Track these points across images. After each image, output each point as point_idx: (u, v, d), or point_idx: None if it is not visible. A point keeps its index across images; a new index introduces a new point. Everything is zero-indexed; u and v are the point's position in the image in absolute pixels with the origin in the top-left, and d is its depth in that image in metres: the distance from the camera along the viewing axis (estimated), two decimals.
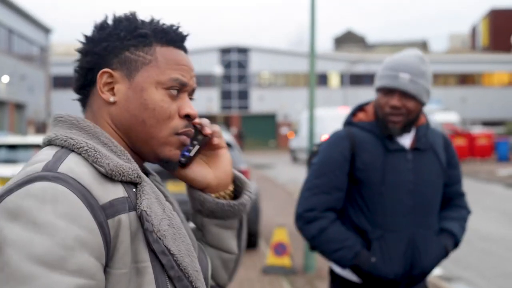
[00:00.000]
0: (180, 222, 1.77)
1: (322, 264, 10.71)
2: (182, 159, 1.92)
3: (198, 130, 1.94)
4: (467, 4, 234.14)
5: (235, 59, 72.20)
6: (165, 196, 1.91)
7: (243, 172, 11.74)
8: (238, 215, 1.98)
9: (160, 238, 1.65)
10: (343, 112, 41.75)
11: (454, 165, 4.04)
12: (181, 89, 1.82)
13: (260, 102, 70.69)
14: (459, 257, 12.08)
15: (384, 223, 3.73)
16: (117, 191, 1.64)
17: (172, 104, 1.79)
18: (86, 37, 1.81)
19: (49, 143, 1.73)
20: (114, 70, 1.78)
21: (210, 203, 1.93)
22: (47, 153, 1.67)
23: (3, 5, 43.24)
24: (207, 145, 1.97)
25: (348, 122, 3.95)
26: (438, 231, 3.89)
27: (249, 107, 72.04)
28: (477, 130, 44.55)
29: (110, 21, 1.83)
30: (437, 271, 10.91)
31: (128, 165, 1.70)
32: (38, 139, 14.89)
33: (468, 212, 4.15)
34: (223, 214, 1.94)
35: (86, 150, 1.65)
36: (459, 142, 36.88)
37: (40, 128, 47.25)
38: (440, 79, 73.82)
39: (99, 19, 1.85)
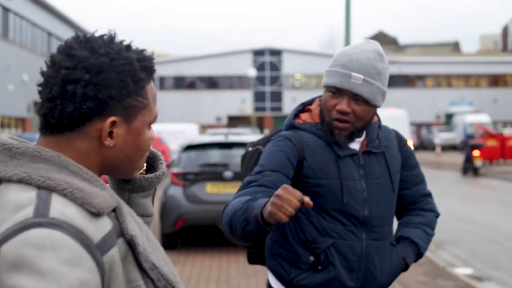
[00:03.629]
0: (151, 233, 1.84)
1: None
2: None
3: None
4: (498, 4, 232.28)
5: (268, 60, 72.58)
6: None
7: None
8: (160, 183, 2.05)
9: (147, 256, 1.72)
10: (392, 112, 41.91)
11: (413, 165, 3.61)
12: None
13: (293, 103, 70.74)
14: (489, 257, 12.39)
15: (338, 232, 3.29)
16: (105, 225, 1.65)
17: (150, 137, 1.86)
18: (80, 79, 1.69)
19: (18, 181, 1.65)
20: (117, 116, 1.73)
21: (140, 181, 1.96)
22: (27, 197, 1.61)
23: (42, 8, 44.11)
24: None
25: (291, 126, 3.43)
26: (393, 242, 3.46)
27: (282, 109, 72.24)
28: (508, 132, 44.50)
29: (106, 63, 1.71)
30: (467, 271, 11.29)
31: (107, 193, 1.71)
32: None
33: (436, 214, 3.64)
34: (150, 186, 1.98)
35: (72, 192, 1.63)
36: (490, 143, 36.93)
37: None
38: (471, 80, 73.70)
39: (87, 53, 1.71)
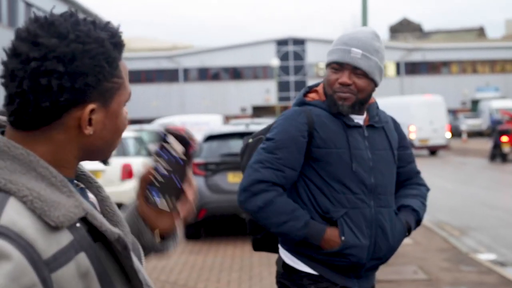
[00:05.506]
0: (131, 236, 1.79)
1: None
2: (150, 200, 1.86)
3: (173, 179, 1.84)
4: None
5: (292, 50, 72.53)
6: (95, 195, 1.82)
7: None
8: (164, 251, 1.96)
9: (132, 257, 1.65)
10: (429, 99, 41.53)
11: (407, 145, 3.87)
12: None
13: None
14: None
15: (349, 201, 3.51)
16: (62, 239, 1.52)
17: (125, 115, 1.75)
18: (54, 70, 1.54)
19: None
20: (94, 102, 1.61)
21: (147, 241, 1.90)
22: None
23: (63, 2, 44.39)
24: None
25: (302, 102, 3.67)
26: (396, 210, 3.69)
27: None
28: None
29: (80, 49, 1.56)
30: (490, 256, 11.26)
31: (72, 203, 1.57)
32: None
33: (427, 189, 3.94)
34: (153, 249, 1.89)
35: (31, 200, 1.50)
36: None
37: None
38: (497, 66, 73.16)
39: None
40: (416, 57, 71.19)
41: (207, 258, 11.02)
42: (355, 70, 3.49)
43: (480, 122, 60.97)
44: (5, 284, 1.39)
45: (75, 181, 1.74)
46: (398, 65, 71.07)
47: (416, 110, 39.26)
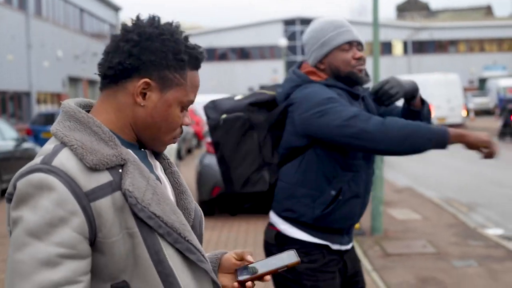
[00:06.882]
0: (163, 188, 2.11)
1: (388, 225, 11.38)
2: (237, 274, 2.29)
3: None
4: None
5: (299, 30, 72.43)
6: (165, 169, 2.28)
7: None
8: None
9: (145, 207, 1.98)
10: (443, 77, 41.03)
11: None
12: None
13: None
14: None
15: (355, 166, 3.74)
16: (101, 178, 1.96)
17: (181, 117, 2.15)
18: (131, 39, 2.04)
19: (53, 134, 2.03)
20: (152, 80, 2.05)
21: None
22: (49, 148, 2.00)
23: None
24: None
25: (309, 81, 3.86)
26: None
27: None
28: None
29: (156, 34, 2.05)
30: (497, 231, 11.49)
31: (112, 152, 2.00)
32: None
33: None
34: None
35: (75, 148, 1.96)
36: None
37: None
38: (505, 44, 72.90)
39: (143, 22, 2.08)
40: (424, 36, 71.03)
41: (222, 234, 11.29)
42: (358, 46, 3.82)
43: (487, 101, 60.80)
44: (52, 208, 1.88)
45: (143, 149, 2.18)
46: (405, 44, 70.97)
47: (433, 88, 38.98)
